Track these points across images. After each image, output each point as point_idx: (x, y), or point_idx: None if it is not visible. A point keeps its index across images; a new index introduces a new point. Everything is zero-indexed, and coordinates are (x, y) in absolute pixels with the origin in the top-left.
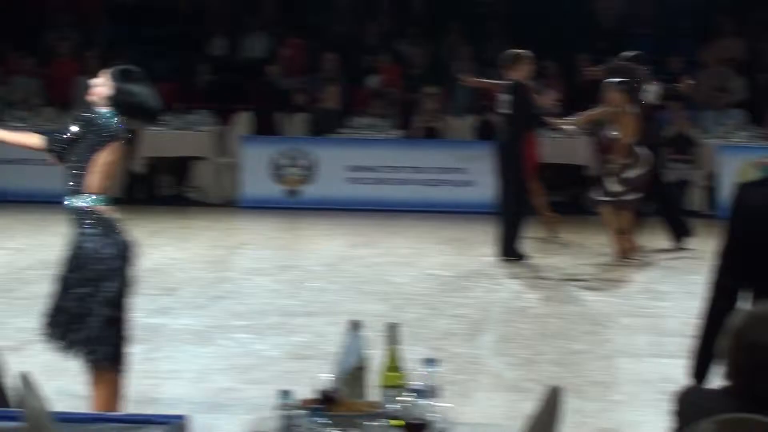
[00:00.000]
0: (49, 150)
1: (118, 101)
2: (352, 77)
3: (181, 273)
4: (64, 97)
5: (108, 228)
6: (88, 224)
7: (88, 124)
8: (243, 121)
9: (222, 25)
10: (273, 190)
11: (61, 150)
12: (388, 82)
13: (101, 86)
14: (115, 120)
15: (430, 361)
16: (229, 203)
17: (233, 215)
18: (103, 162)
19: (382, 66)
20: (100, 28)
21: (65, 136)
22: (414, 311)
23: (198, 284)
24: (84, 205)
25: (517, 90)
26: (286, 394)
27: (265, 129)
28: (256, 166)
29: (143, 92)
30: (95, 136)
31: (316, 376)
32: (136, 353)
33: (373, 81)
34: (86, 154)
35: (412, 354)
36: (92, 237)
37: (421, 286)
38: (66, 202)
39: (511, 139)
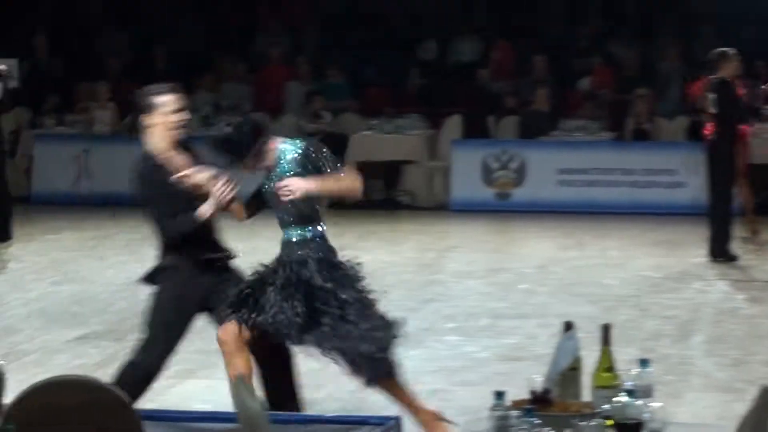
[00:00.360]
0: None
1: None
2: (562, 79)
3: (391, 276)
4: (275, 102)
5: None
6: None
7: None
8: (453, 124)
9: (432, 28)
10: (483, 193)
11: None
12: (599, 83)
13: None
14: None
15: (643, 362)
16: (440, 207)
17: (443, 218)
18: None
19: (593, 68)
20: (310, 34)
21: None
22: (624, 313)
23: (408, 287)
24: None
25: (722, 88)
26: (499, 395)
27: (475, 132)
28: (466, 169)
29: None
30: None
31: (528, 378)
32: None
33: (584, 83)
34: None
35: (623, 355)
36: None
37: (632, 287)
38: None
39: (719, 138)
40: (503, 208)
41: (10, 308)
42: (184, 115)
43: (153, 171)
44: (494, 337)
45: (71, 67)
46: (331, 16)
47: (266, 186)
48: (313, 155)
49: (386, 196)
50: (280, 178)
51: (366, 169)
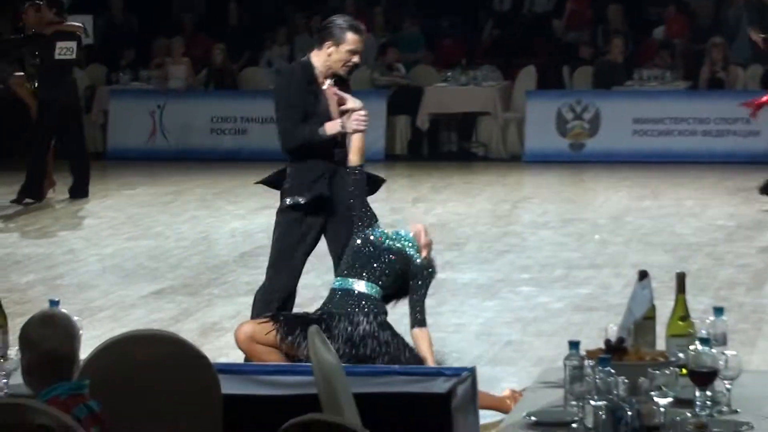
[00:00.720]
0: None
1: None
2: (637, 29)
3: (466, 228)
4: None
5: None
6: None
7: None
8: (527, 75)
9: None
10: (557, 143)
11: None
12: (674, 32)
13: None
14: None
15: (718, 310)
16: (514, 158)
17: (518, 170)
18: None
19: (667, 17)
20: None
21: None
22: (698, 262)
23: (483, 239)
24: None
25: None
26: (574, 345)
27: (549, 83)
28: (540, 120)
29: None
30: None
31: (602, 328)
32: None
33: (659, 32)
34: None
35: (697, 304)
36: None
37: (706, 236)
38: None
39: None
40: (577, 159)
41: (86, 264)
42: (356, 59)
43: (303, 69)
44: (568, 288)
45: (146, 23)
46: None
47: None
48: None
49: (460, 147)
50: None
51: (440, 120)
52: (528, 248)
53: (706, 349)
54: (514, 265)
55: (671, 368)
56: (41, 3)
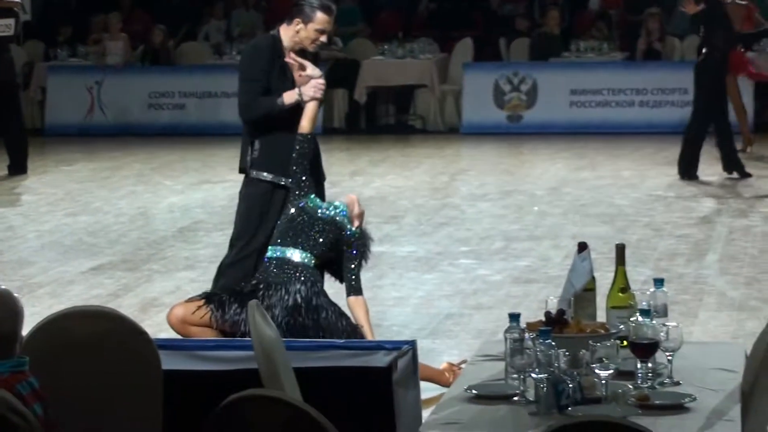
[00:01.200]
0: None
1: None
2: (573, 1)
3: (404, 201)
4: None
5: None
6: None
7: None
8: (464, 48)
9: None
10: (495, 115)
11: None
12: (610, 3)
13: None
14: None
15: (658, 282)
16: (451, 130)
17: (455, 142)
18: None
19: None
20: None
21: None
22: (638, 233)
23: (421, 211)
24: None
25: (712, 10)
26: (514, 317)
27: (486, 55)
28: (477, 92)
29: None
30: None
31: (542, 300)
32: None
33: (594, 3)
34: None
35: (637, 275)
36: None
37: (645, 207)
38: None
39: (704, 60)
40: (515, 131)
41: (25, 241)
42: (323, 39)
43: (271, 43)
44: (508, 260)
45: None
46: None
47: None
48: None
49: (398, 120)
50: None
51: (378, 94)
52: (467, 221)
53: (647, 320)
54: (453, 237)
55: (612, 340)
56: None
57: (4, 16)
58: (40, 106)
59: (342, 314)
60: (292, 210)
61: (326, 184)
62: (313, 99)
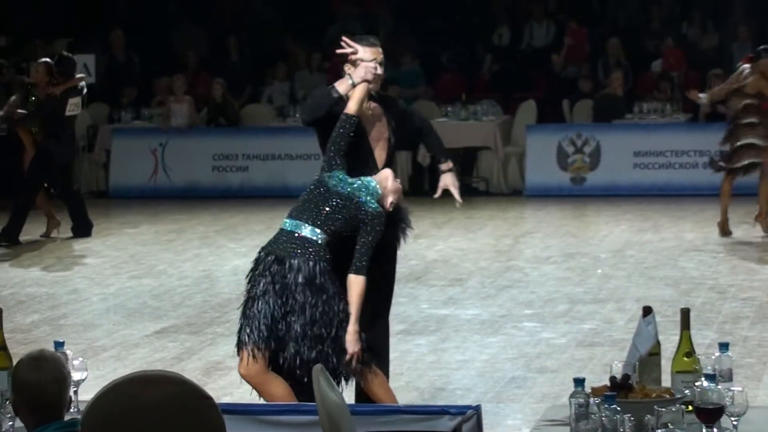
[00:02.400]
0: None
1: None
2: (636, 62)
3: (468, 263)
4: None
5: None
6: None
7: None
8: (528, 109)
9: (506, 14)
10: (558, 177)
11: None
12: (672, 65)
13: None
14: None
15: (722, 346)
16: (515, 192)
17: (519, 204)
18: None
19: (665, 50)
20: (383, 20)
21: None
22: (702, 295)
23: (485, 274)
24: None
25: None
26: (579, 382)
27: (549, 117)
28: (541, 154)
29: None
30: None
31: (606, 363)
32: (424, 344)
33: (657, 65)
34: None
35: (701, 338)
36: None
37: (709, 270)
38: None
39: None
40: (578, 193)
41: (89, 303)
42: (380, 70)
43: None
44: (572, 323)
45: (148, 62)
46: (405, 2)
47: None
48: (375, 226)
49: (461, 182)
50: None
51: None
52: (530, 283)
53: (712, 385)
54: (517, 300)
55: (677, 405)
56: (51, 62)
57: (74, 96)
58: (105, 168)
59: (342, 298)
60: (313, 184)
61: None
62: (363, 81)
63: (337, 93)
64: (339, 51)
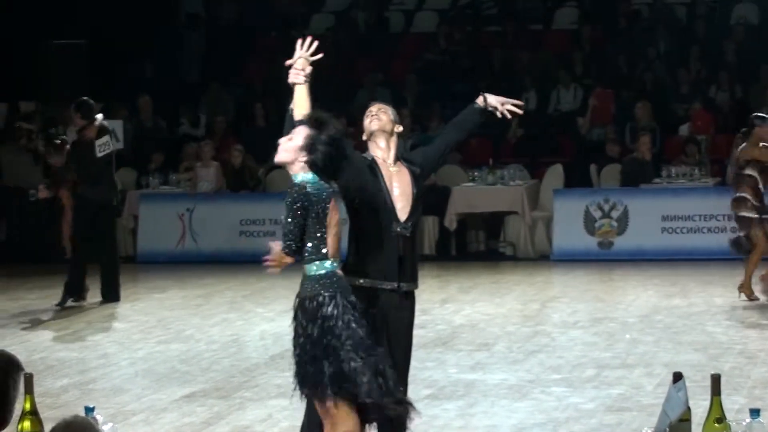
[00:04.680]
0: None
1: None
2: (664, 126)
3: (495, 328)
4: None
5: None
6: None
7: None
8: (555, 174)
9: (533, 78)
10: (586, 242)
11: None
12: (699, 129)
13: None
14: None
15: (754, 412)
16: (542, 257)
17: (546, 269)
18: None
19: (693, 113)
20: (410, 86)
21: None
22: (731, 360)
23: (512, 339)
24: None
25: None
26: None
27: (577, 181)
28: (568, 218)
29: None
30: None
31: (634, 429)
32: (452, 409)
33: (684, 129)
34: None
35: (731, 404)
36: None
37: (738, 335)
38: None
39: None
40: (606, 257)
41: (118, 368)
42: (372, 108)
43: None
44: (600, 388)
45: (175, 127)
46: (431, 67)
47: None
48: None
49: (488, 247)
50: None
51: (468, 220)
52: (558, 348)
53: None
54: (545, 365)
55: None
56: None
57: (100, 136)
58: (133, 233)
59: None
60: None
61: (416, 311)
62: (293, 83)
63: (292, 107)
64: (287, 62)
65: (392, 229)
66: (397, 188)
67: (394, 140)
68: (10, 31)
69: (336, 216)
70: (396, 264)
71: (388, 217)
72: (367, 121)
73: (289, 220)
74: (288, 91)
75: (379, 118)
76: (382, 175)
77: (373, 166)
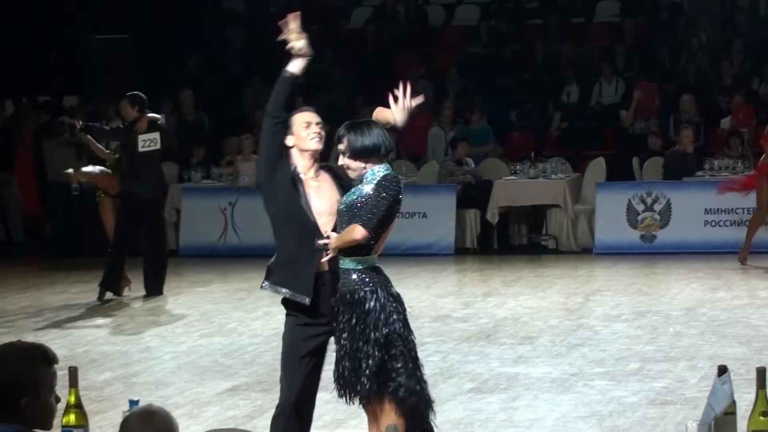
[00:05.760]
0: None
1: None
2: (706, 118)
3: (538, 322)
4: (418, 148)
5: None
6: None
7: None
8: (597, 167)
9: (575, 72)
10: (628, 235)
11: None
12: (741, 121)
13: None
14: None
15: None
16: (585, 250)
17: (588, 262)
18: None
19: (735, 106)
20: (452, 79)
21: None
22: None
23: (555, 332)
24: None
25: None
26: None
27: (619, 174)
28: (610, 211)
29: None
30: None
31: (678, 422)
32: (495, 402)
33: (725, 122)
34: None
35: None
36: None
37: None
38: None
39: None
40: (649, 250)
41: (161, 362)
42: (317, 128)
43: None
44: (644, 381)
45: (217, 121)
46: (474, 60)
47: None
48: (380, 187)
49: (530, 241)
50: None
51: (510, 214)
52: (601, 342)
53: None
54: (588, 358)
55: None
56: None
57: (150, 131)
58: (175, 227)
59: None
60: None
61: (459, 305)
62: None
63: (290, 73)
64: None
65: (315, 245)
66: (319, 204)
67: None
68: (55, 26)
69: None
70: (313, 279)
71: (311, 233)
72: (304, 133)
73: (383, 211)
74: (332, 86)
75: (321, 137)
76: (303, 192)
77: (295, 180)
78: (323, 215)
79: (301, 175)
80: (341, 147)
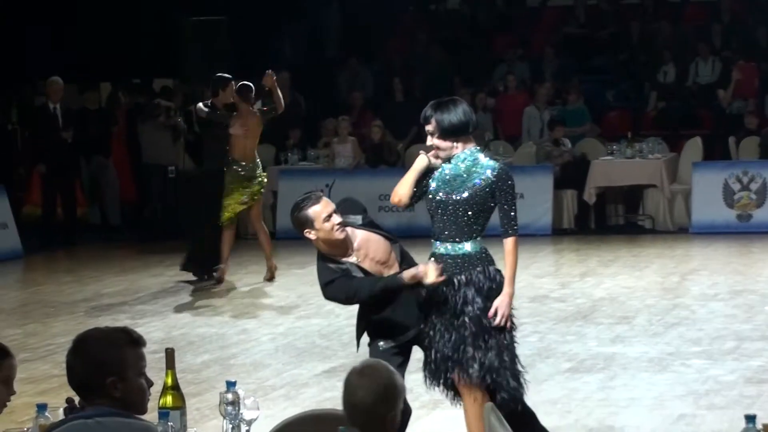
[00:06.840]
0: None
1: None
2: None
3: (635, 301)
4: (514, 129)
5: None
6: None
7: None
8: (693, 147)
9: (672, 51)
10: (725, 215)
11: None
12: None
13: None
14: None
15: None
16: (681, 230)
17: (685, 242)
18: None
19: None
20: (549, 59)
21: None
22: None
23: (652, 311)
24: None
25: None
26: (750, 418)
27: (716, 154)
28: (707, 191)
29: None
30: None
31: None
32: (592, 382)
33: None
34: None
35: None
36: None
37: None
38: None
39: None
40: (745, 230)
41: (259, 344)
42: (337, 219)
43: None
44: (740, 360)
45: (313, 103)
46: (570, 41)
47: (432, 184)
48: (505, 184)
49: (627, 220)
50: (450, 183)
51: (607, 194)
52: (698, 321)
53: None
54: (685, 337)
55: None
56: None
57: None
58: (272, 210)
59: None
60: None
61: (556, 285)
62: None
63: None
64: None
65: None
66: (377, 264)
67: None
68: (150, 8)
69: None
70: (415, 308)
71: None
72: (328, 226)
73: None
74: (430, 67)
75: (342, 230)
76: (364, 269)
77: (351, 271)
78: (391, 267)
79: (351, 260)
80: (429, 128)
